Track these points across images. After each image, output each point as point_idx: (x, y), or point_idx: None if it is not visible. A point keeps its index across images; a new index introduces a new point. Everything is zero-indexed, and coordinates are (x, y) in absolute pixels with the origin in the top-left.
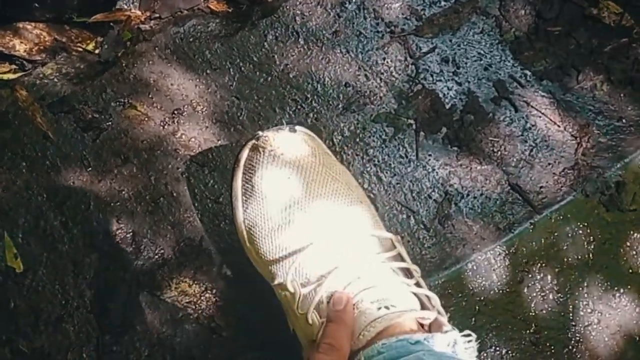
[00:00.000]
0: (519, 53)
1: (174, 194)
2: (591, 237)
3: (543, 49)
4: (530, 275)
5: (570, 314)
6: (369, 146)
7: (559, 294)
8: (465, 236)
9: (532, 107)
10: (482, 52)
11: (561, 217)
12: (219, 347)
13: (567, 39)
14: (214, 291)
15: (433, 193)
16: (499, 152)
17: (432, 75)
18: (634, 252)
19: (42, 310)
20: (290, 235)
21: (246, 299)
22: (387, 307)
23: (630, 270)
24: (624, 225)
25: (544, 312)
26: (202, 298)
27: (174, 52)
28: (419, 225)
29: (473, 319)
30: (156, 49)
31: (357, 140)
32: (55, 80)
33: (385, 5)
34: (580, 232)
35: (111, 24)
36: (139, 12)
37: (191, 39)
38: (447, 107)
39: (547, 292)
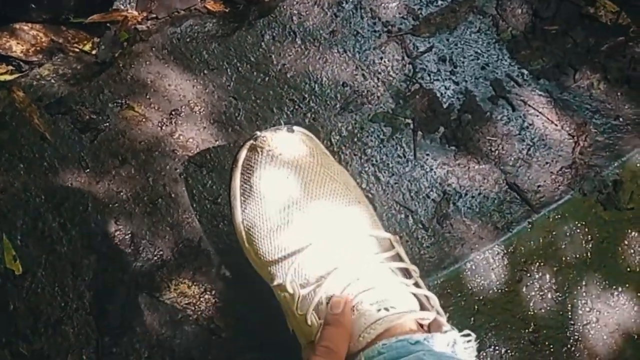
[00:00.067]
0: (516, 52)
1: (172, 195)
2: (589, 236)
3: (540, 47)
4: (528, 275)
5: (569, 313)
6: (366, 146)
7: (558, 293)
8: (463, 235)
9: (529, 106)
10: (479, 51)
11: (559, 216)
12: (219, 348)
13: (564, 37)
14: (213, 292)
15: (431, 192)
16: (497, 152)
17: (429, 75)
18: (632, 251)
19: (42, 312)
20: (289, 236)
21: (245, 300)
22: (386, 309)
23: (628, 269)
24: (622, 223)
25: (543, 311)
26: (201, 299)
27: (171, 53)
28: (418, 224)
29: (472, 319)
30: (153, 49)
31: (355, 140)
32: (52, 81)
33: (382, 4)
34: (578, 230)
35: (108, 24)
36: (135, 13)
37: (188, 39)
38: (445, 106)
39: (546, 291)
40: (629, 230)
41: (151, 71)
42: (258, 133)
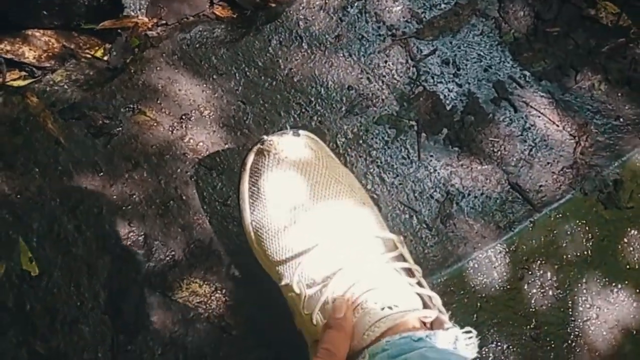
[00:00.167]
0: (518, 54)
1: (184, 197)
2: (590, 235)
3: (542, 49)
4: (530, 272)
5: (570, 310)
6: (371, 148)
7: (559, 290)
8: (466, 235)
9: (531, 107)
10: (481, 53)
11: (560, 215)
12: (229, 346)
13: (566, 39)
14: (224, 291)
15: (435, 193)
16: (499, 152)
17: (433, 77)
18: (632, 249)
19: (58, 311)
20: (296, 237)
21: (255, 299)
22: (390, 307)
23: (628, 266)
24: (622, 222)
25: (544, 308)
26: (212, 298)
27: (181, 58)
28: (422, 224)
29: (475, 316)
30: (163, 55)
31: (360, 142)
32: (65, 86)
33: (387, 8)
34: (579, 229)
35: (119, 30)
36: (145, 19)
37: (197, 45)
38: (448, 108)
39: (547, 288)
40: (629, 229)
41: (162, 76)
42: (265, 137)
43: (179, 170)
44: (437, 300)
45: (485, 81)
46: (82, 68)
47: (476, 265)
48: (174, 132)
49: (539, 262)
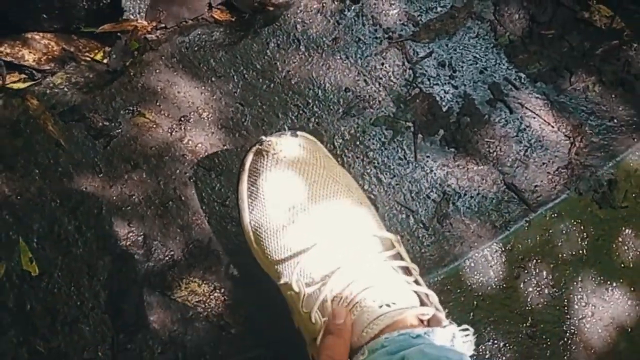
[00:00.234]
0: (513, 56)
1: (183, 198)
2: (585, 234)
3: (537, 52)
4: (526, 271)
5: (565, 308)
6: (368, 149)
7: (554, 289)
8: (462, 234)
9: (526, 108)
10: (477, 55)
11: (555, 215)
12: (228, 344)
13: (560, 42)
14: (223, 290)
15: (431, 193)
16: (495, 153)
17: (429, 79)
18: (626, 248)
19: (58, 311)
20: (295, 236)
21: (253, 298)
22: (388, 305)
23: (623, 265)
24: (616, 221)
25: (540, 306)
26: (211, 297)
27: (180, 61)
28: (418, 224)
29: (471, 314)
30: (163, 58)
31: (358, 143)
32: (65, 89)
33: (383, 12)
34: (574, 229)
35: (118, 34)
36: (145, 23)
37: (196, 48)
38: (444, 109)
39: (543, 287)
40: (623, 228)
41: (161, 79)
42: (264, 138)
43: (177, 171)
44: (434, 298)
45: (481, 83)
46: (82, 71)
47: (472, 265)
48: (173, 133)
49: (534, 261)
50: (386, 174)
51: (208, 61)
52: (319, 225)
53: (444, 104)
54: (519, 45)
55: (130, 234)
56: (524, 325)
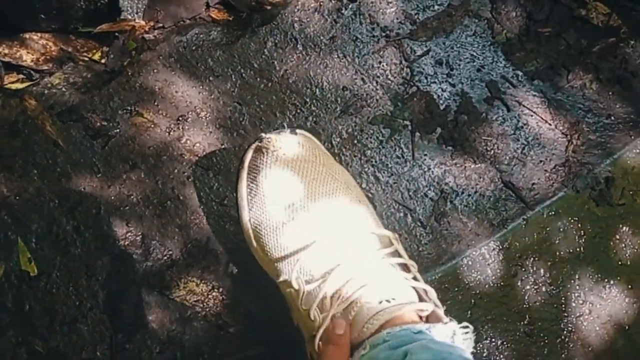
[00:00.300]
0: (510, 54)
1: (181, 197)
2: (582, 231)
3: (534, 49)
4: (523, 269)
5: (563, 306)
6: (366, 147)
7: (552, 287)
8: (460, 232)
9: (523, 106)
10: (474, 54)
11: (553, 213)
12: (227, 343)
13: (557, 39)
14: (221, 290)
15: (429, 191)
16: (492, 151)
17: (426, 78)
18: (623, 245)
19: (57, 311)
20: (294, 233)
21: (251, 297)
22: (388, 301)
23: (620, 262)
24: (614, 219)
25: (538, 304)
26: (210, 296)
27: (178, 61)
28: (416, 222)
29: (469, 312)
30: (160, 57)
31: (355, 141)
32: (63, 89)
33: (380, 10)
34: (572, 226)
35: (116, 34)
36: (143, 22)
37: (194, 48)
38: (442, 108)
39: (540, 284)
40: (621, 226)
41: (159, 79)
42: (263, 135)
43: (176, 170)
44: (432, 294)
45: (478, 81)
46: (80, 71)
47: (470, 263)
48: (171, 133)
49: (532, 259)
50: (384, 172)
51: (206, 60)
52: (318, 223)
53: (441, 102)
54: (516, 43)
55: (129, 233)
56: (522, 323)
